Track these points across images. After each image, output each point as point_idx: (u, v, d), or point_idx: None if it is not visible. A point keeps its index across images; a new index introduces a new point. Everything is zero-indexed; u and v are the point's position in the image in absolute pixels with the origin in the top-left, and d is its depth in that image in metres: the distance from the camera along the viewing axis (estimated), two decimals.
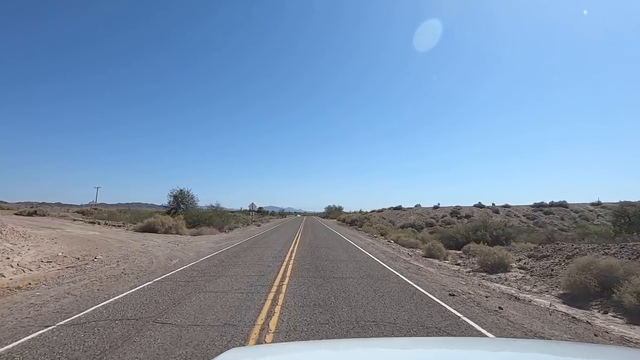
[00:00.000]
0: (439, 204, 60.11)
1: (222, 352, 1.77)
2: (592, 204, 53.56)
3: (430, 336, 4.48)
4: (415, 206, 65.49)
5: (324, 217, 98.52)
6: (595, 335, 5.01)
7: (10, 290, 6.58)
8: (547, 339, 4.69)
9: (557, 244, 13.17)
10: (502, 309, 5.98)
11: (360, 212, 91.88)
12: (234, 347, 3.88)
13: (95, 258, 10.54)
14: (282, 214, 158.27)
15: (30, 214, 31.16)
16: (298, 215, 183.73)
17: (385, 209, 67.15)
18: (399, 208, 63.48)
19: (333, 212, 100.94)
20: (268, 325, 4.71)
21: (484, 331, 4.79)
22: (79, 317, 4.96)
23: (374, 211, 68.33)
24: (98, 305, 5.53)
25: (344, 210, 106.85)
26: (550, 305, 6.77)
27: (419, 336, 4.46)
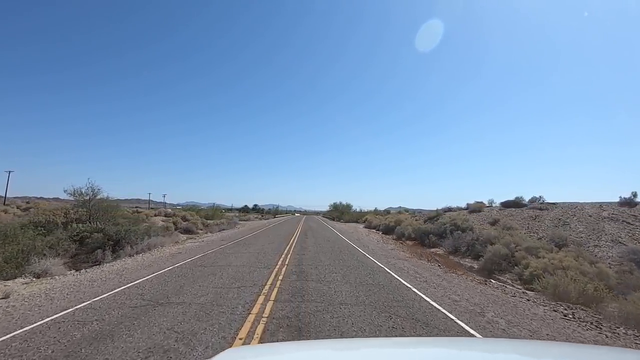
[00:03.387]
0: (603, 203, 26.93)
1: None
2: None
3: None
4: (516, 199, 32.47)
5: (332, 219, 66.04)
6: None
7: None
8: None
9: None
10: None
11: (376, 210, 61.44)
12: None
13: None
14: (275, 212, 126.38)
15: None
16: (296, 215, 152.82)
17: (460, 208, 34.17)
18: (514, 203, 30.61)
19: (347, 212, 67.67)
20: None
21: None
22: None
23: (438, 211, 35.26)
24: None
25: (353, 208, 75.10)
26: None
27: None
